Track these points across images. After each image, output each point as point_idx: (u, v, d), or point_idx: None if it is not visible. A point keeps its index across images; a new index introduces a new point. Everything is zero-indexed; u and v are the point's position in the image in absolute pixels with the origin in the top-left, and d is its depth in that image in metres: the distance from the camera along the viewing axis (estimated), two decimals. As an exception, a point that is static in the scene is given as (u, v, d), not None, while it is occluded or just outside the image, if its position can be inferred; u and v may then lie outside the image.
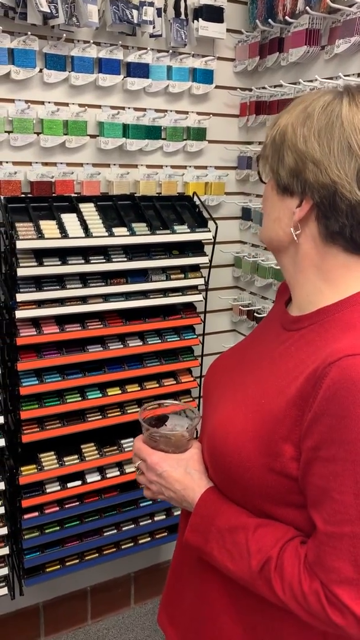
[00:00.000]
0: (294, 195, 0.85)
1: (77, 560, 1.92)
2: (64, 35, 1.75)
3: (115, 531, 1.95)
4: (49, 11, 1.63)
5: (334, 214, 0.82)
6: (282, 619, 0.88)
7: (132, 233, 1.77)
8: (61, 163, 1.88)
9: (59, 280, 1.70)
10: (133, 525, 1.98)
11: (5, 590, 1.80)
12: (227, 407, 0.93)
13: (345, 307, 0.85)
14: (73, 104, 1.86)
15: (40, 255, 1.65)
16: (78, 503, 1.84)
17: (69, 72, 1.81)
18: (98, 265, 1.72)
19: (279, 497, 0.84)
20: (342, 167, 0.79)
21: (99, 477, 1.84)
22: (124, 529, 1.96)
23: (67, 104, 1.85)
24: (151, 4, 1.80)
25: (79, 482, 1.81)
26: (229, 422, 0.90)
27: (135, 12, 1.77)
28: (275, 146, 0.87)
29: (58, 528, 1.83)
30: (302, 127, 0.83)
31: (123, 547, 2.00)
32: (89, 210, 1.79)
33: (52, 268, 1.66)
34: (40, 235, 1.63)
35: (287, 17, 1.80)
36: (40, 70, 1.78)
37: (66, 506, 1.82)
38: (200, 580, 0.98)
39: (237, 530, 0.86)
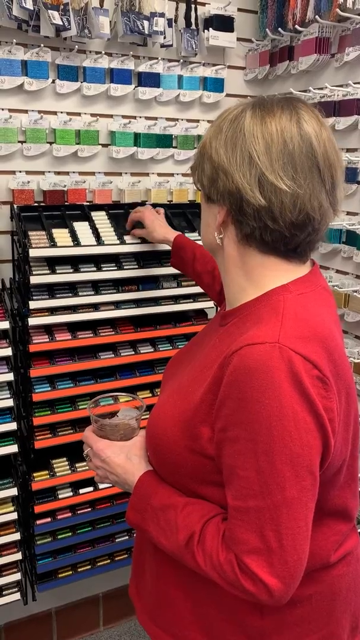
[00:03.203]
0: (215, 202, 0.93)
1: (89, 567, 1.93)
2: (76, 46, 1.78)
3: (127, 537, 1.95)
4: (61, 23, 1.66)
5: (244, 218, 0.89)
6: (223, 594, 0.93)
7: (143, 240, 1.79)
8: (73, 172, 1.91)
9: (71, 288, 1.72)
10: (145, 532, 1.98)
11: (18, 596, 1.81)
12: (165, 396, 1.04)
13: (260, 303, 0.92)
14: (85, 113, 1.88)
15: (52, 263, 1.67)
16: (90, 509, 1.85)
17: (81, 82, 1.84)
18: (109, 273, 1.74)
19: (202, 476, 0.92)
20: (244, 175, 0.86)
21: (110, 484, 1.85)
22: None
23: (79, 114, 1.88)
24: (162, 15, 1.82)
25: (90, 489, 1.82)
26: (162, 409, 1.01)
27: (146, 23, 1.80)
28: (200, 158, 0.95)
29: (70, 534, 1.84)
30: (216, 139, 0.91)
31: (135, 553, 2.00)
32: (100, 218, 1.81)
33: (65, 276, 1.67)
34: (52, 244, 1.65)
35: (297, 26, 1.82)
36: (53, 81, 1.80)
37: (78, 512, 1.83)
38: (154, 557, 1.06)
39: (169, 508, 0.94)
